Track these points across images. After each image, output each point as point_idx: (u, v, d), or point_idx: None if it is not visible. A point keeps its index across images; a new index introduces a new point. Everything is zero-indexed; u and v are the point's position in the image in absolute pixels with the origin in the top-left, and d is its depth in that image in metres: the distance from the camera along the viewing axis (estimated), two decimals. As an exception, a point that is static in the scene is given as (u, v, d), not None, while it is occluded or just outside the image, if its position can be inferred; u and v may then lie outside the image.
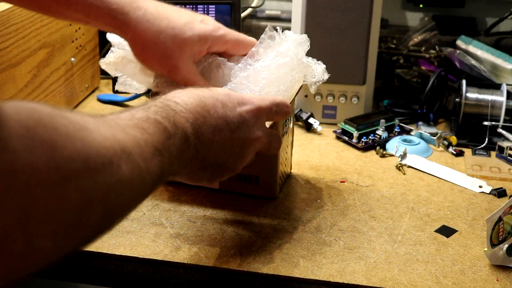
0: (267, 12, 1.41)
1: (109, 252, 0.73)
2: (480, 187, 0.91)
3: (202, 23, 0.76)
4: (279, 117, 0.73)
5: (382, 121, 1.05)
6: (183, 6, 1.11)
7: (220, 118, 0.64)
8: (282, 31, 0.83)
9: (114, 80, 1.01)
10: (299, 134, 1.08)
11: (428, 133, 1.05)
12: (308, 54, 1.07)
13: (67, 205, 0.40)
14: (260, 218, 0.81)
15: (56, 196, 0.39)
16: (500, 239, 0.72)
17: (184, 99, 0.62)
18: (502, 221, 0.72)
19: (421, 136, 1.05)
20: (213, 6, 1.11)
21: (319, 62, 0.85)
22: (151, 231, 0.78)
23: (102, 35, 1.20)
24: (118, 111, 0.55)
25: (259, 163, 0.81)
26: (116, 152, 0.45)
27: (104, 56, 0.85)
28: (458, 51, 1.16)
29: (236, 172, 0.69)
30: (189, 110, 0.61)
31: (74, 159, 0.40)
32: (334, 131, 1.07)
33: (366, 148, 1.03)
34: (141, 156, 0.49)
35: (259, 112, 0.69)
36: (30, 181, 0.36)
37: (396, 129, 1.08)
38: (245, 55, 0.82)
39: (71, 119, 0.42)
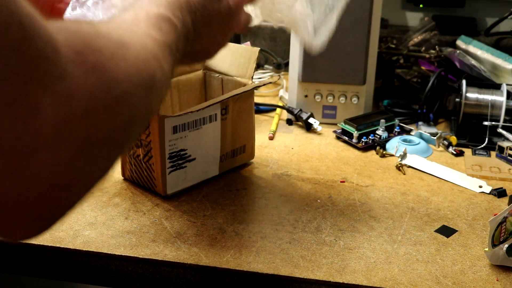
0: (267, 12, 1.41)
1: (109, 252, 0.73)
2: (480, 187, 0.91)
3: None
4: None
5: (382, 121, 1.05)
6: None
7: (214, 11, 0.65)
8: None
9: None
10: (299, 134, 1.08)
11: (428, 133, 1.05)
12: (308, 54, 1.07)
13: (119, 126, 0.40)
14: (260, 218, 0.81)
15: (111, 119, 0.38)
16: (501, 240, 0.72)
17: None
18: (505, 222, 0.72)
19: (421, 136, 1.05)
20: (213, 6, 1.11)
21: None
22: (151, 231, 0.78)
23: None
24: (130, 7, 0.54)
25: (244, 133, 0.92)
26: (151, 63, 0.45)
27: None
28: (458, 51, 1.16)
29: (213, 56, 0.72)
30: (193, 3, 0.61)
31: (121, 79, 0.39)
32: (334, 131, 1.07)
33: (366, 148, 1.03)
34: (164, 59, 0.49)
35: (242, 3, 0.71)
36: (87, 107, 0.35)
37: (396, 129, 1.08)
38: None
39: (109, 38, 0.41)
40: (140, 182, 0.87)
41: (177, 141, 0.83)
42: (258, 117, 1.13)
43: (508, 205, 0.86)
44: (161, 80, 0.47)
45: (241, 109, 0.91)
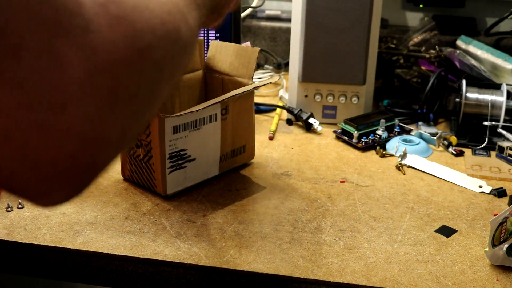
0: (267, 12, 1.41)
1: (109, 252, 0.73)
2: (480, 187, 0.91)
3: None
4: None
5: (382, 121, 1.05)
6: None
7: None
8: None
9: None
10: (299, 134, 1.08)
11: (428, 133, 1.05)
12: (308, 53, 1.08)
13: (145, 81, 0.39)
14: (260, 218, 0.81)
15: (136, 72, 0.37)
16: (501, 240, 0.72)
17: None
18: (505, 223, 0.72)
19: (421, 136, 1.05)
20: (213, 6, 1.11)
21: None
22: (151, 231, 0.78)
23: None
24: None
25: (244, 133, 0.92)
26: (176, 16, 0.43)
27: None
28: (458, 51, 1.16)
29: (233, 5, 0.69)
30: None
31: (145, 31, 0.38)
32: (334, 131, 1.07)
33: (366, 148, 1.03)
34: (190, 14, 0.47)
35: None
36: (113, 60, 0.35)
37: (396, 129, 1.08)
38: None
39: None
40: (140, 182, 0.87)
41: (177, 141, 0.83)
42: (258, 117, 1.13)
43: (508, 205, 0.86)
44: (187, 34, 0.45)
45: (241, 109, 0.91)
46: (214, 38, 1.12)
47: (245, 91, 0.87)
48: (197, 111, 0.82)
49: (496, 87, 1.06)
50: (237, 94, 0.86)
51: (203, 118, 0.85)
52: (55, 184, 0.35)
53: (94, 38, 0.34)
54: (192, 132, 0.84)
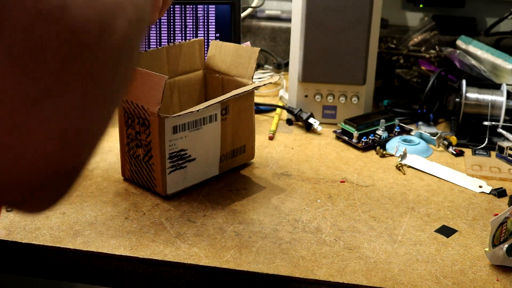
0: (267, 12, 1.41)
1: (109, 252, 0.73)
2: (480, 187, 0.91)
3: None
4: None
5: (382, 121, 1.05)
6: (183, 6, 1.12)
7: None
8: None
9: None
10: (299, 134, 1.08)
11: (428, 133, 1.05)
12: (309, 53, 1.08)
13: (118, 61, 0.35)
14: (260, 218, 0.81)
15: (110, 54, 0.34)
16: (501, 240, 0.72)
17: None
18: (505, 223, 0.72)
19: (421, 136, 1.05)
20: (213, 6, 1.11)
21: None
22: (151, 231, 0.78)
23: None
24: None
25: (244, 133, 0.92)
26: None
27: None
28: (458, 51, 1.16)
29: None
30: None
31: (116, 10, 0.35)
32: (334, 131, 1.07)
33: (366, 148, 1.03)
34: None
35: None
36: (88, 41, 0.32)
37: (396, 129, 1.08)
38: None
39: None
40: (140, 182, 0.87)
41: (177, 141, 0.83)
42: (258, 117, 1.13)
43: (508, 205, 0.86)
44: (147, 18, 0.41)
45: (241, 109, 0.91)
46: (214, 38, 1.12)
47: (245, 91, 0.87)
48: (197, 111, 0.82)
49: (496, 87, 1.06)
50: (237, 94, 0.86)
51: (203, 118, 0.85)
52: (39, 191, 0.33)
53: (71, 18, 0.31)
54: (192, 132, 0.84)
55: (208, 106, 0.83)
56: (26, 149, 0.31)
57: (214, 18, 1.12)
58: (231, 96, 0.85)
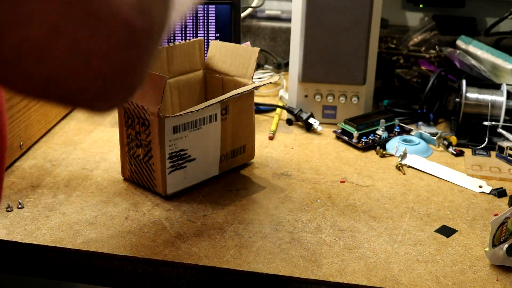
0: (267, 12, 1.41)
1: (109, 252, 0.73)
2: (480, 187, 0.91)
3: None
4: None
5: (382, 121, 1.05)
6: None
7: None
8: None
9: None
10: (299, 134, 1.08)
11: (428, 133, 1.05)
12: (309, 53, 1.08)
13: None
14: (260, 218, 0.81)
15: None
16: (501, 240, 0.72)
17: None
18: (506, 223, 0.72)
19: (421, 136, 1.05)
20: (213, 6, 1.11)
21: None
22: (151, 231, 0.78)
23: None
24: None
25: (244, 133, 0.91)
26: None
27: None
28: (458, 51, 1.16)
29: None
30: None
31: None
32: (334, 131, 1.07)
33: (366, 148, 1.03)
34: None
35: None
36: None
37: (396, 129, 1.08)
38: None
39: None
40: (140, 182, 0.87)
41: (177, 141, 0.83)
42: (258, 117, 1.13)
43: (508, 205, 0.86)
44: None
45: (241, 109, 0.91)
46: (214, 38, 1.12)
47: (245, 91, 0.87)
48: (197, 111, 0.82)
49: (496, 87, 1.06)
50: (237, 94, 0.86)
51: (203, 118, 0.85)
52: (111, 81, 0.35)
53: None
54: (192, 132, 0.84)
55: (208, 106, 0.83)
56: (99, 39, 0.33)
57: (214, 18, 1.12)
58: (231, 96, 0.85)
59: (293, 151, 1.01)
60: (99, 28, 0.33)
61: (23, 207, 0.82)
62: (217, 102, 0.84)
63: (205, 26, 1.12)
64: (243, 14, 1.34)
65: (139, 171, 0.86)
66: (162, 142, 0.81)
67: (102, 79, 0.34)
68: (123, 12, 0.33)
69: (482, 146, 1.02)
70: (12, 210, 0.81)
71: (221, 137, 0.89)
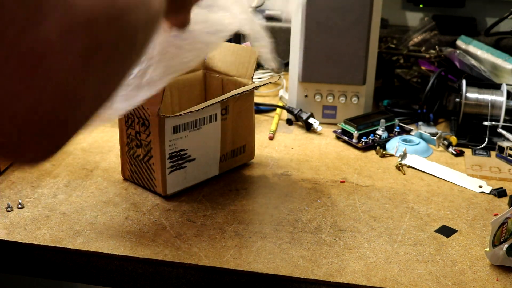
0: (267, 12, 1.41)
1: (109, 252, 0.73)
2: (480, 187, 0.91)
3: None
4: None
5: (382, 121, 1.05)
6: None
7: None
8: None
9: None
10: (299, 134, 1.08)
11: (428, 133, 1.05)
12: (308, 53, 1.08)
13: (121, 40, 0.38)
14: (260, 218, 0.81)
15: (114, 31, 0.37)
16: (501, 240, 0.72)
17: None
18: (506, 223, 0.72)
19: (421, 136, 1.05)
20: (213, 6, 1.11)
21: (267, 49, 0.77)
22: (151, 231, 0.78)
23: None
24: None
25: (244, 133, 0.91)
26: None
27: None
28: (458, 51, 1.16)
29: None
30: None
31: None
32: (334, 131, 1.07)
33: (366, 148, 1.03)
34: None
35: None
36: (92, 16, 0.35)
37: (396, 129, 1.08)
38: None
39: None
40: (140, 182, 0.87)
41: (177, 141, 0.83)
42: (258, 117, 1.13)
43: (508, 204, 0.86)
44: (156, 8, 0.44)
45: (241, 109, 0.91)
46: (214, 38, 1.12)
47: (245, 91, 0.87)
48: (197, 111, 0.82)
49: (496, 87, 1.06)
50: (237, 94, 0.86)
51: (203, 118, 0.85)
52: (32, 137, 0.35)
53: None
54: (192, 132, 0.84)
55: (208, 106, 0.83)
56: (26, 100, 0.33)
57: (214, 18, 1.12)
58: (231, 96, 0.85)
59: (293, 151, 1.01)
60: (27, 91, 0.33)
61: (23, 207, 0.82)
62: (217, 102, 0.84)
63: (205, 26, 1.12)
64: (243, 14, 1.34)
65: (139, 171, 0.86)
66: (162, 142, 0.81)
67: (24, 134, 0.35)
68: (55, 78, 0.34)
69: (482, 146, 1.02)
70: (12, 210, 0.81)
71: (221, 137, 0.89)
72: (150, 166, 0.84)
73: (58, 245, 0.74)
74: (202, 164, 0.87)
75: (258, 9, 1.39)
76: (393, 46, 1.30)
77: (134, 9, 0.39)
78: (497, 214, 0.83)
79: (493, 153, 1.01)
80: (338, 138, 1.06)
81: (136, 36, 0.41)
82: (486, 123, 1.02)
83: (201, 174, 0.88)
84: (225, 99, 0.85)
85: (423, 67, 1.24)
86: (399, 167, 0.96)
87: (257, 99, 1.14)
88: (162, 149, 0.82)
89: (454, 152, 1.01)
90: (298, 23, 1.07)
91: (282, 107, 1.15)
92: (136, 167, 0.87)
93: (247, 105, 0.92)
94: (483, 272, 0.72)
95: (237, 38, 1.13)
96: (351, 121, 1.05)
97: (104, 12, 0.36)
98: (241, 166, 0.95)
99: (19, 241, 0.75)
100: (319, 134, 1.08)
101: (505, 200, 0.88)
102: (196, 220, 0.80)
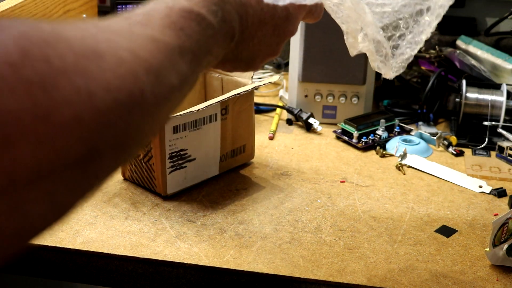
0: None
1: (109, 252, 0.73)
2: (480, 187, 0.91)
3: None
4: (312, 19, 0.64)
5: (382, 121, 1.05)
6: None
7: (268, 9, 0.54)
8: None
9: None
10: (299, 134, 1.08)
11: (428, 133, 1.05)
12: (308, 53, 1.08)
13: (67, 162, 0.31)
14: (260, 218, 0.81)
15: (71, 185, 0.32)
16: (502, 240, 0.72)
17: None
18: (507, 224, 0.72)
19: (421, 136, 1.05)
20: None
21: None
22: (151, 231, 0.78)
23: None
24: (153, 1, 0.43)
25: (244, 133, 0.91)
26: (137, 79, 0.35)
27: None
28: (458, 51, 1.16)
29: (264, 63, 0.60)
30: None
31: (72, 100, 0.30)
32: (334, 131, 1.07)
33: (366, 148, 1.03)
34: (170, 69, 0.39)
35: (302, 8, 0.59)
36: (11, 136, 0.28)
37: (396, 129, 1.08)
38: None
39: (74, 44, 0.32)
40: (140, 182, 0.87)
41: (177, 141, 0.83)
42: (258, 117, 1.13)
43: (508, 204, 0.86)
44: (157, 96, 0.37)
45: (241, 109, 0.91)
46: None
47: (245, 91, 0.87)
48: (197, 110, 0.82)
49: (496, 87, 1.06)
50: (237, 94, 0.86)
51: (203, 118, 0.85)
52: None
53: (15, 155, 0.28)
54: (192, 132, 0.84)
55: (208, 106, 0.83)
56: None
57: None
58: (231, 96, 0.85)
59: (293, 151, 1.01)
60: None
61: (23, 207, 0.82)
62: (217, 102, 0.84)
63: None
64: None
65: (139, 171, 0.86)
66: (162, 142, 0.81)
67: None
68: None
69: (482, 146, 1.02)
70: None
71: (221, 137, 0.89)
72: (150, 166, 0.84)
73: (58, 245, 0.74)
74: (202, 164, 0.87)
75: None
76: (393, 46, 1.30)
77: (96, 118, 0.32)
78: (497, 214, 0.83)
79: (493, 153, 1.01)
80: (338, 138, 1.06)
81: (100, 147, 0.33)
82: (486, 123, 1.02)
83: (201, 174, 0.88)
84: (225, 99, 0.85)
85: (423, 67, 1.24)
86: (399, 167, 0.96)
87: (257, 99, 1.14)
88: (162, 149, 0.82)
89: (454, 152, 1.01)
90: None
91: (282, 107, 1.15)
92: (136, 167, 0.87)
93: (247, 105, 0.92)
94: (483, 272, 0.72)
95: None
96: (351, 121, 1.05)
97: (38, 129, 0.29)
98: (241, 166, 0.95)
99: (19, 241, 0.75)
100: (319, 134, 1.08)
101: (505, 200, 0.88)
102: (196, 220, 0.80)
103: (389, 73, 0.63)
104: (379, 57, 0.63)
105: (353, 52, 0.64)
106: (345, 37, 0.63)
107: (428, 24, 0.62)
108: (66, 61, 0.31)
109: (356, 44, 0.64)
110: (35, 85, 0.29)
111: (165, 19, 0.41)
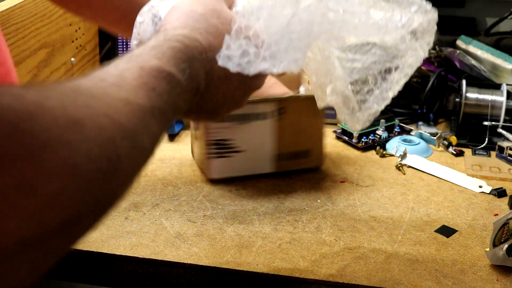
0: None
1: (109, 252, 0.73)
2: (480, 187, 0.91)
3: None
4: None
5: (382, 121, 1.05)
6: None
7: None
8: None
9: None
10: (299, 134, 1.08)
11: (428, 133, 1.05)
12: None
13: (50, 230, 0.32)
14: (260, 218, 0.81)
15: (41, 219, 0.31)
16: (502, 240, 0.72)
17: (206, 36, 0.52)
18: (508, 224, 0.72)
19: (421, 136, 1.05)
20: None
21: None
22: (151, 231, 0.78)
23: (102, 35, 1.20)
24: (125, 59, 0.44)
25: (308, 137, 0.92)
26: (115, 145, 0.36)
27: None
28: (458, 51, 1.16)
29: (228, 113, 0.61)
30: (208, 48, 0.52)
31: (57, 173, 0.31)
32: (334, 131, 1.07)
33: (366, 148, 1.03)
34: (144, 130, 0.40)
35: None
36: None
37: (396, 129, 1.08)
38: None
39: (57, 114, 0.32)
40: (196, 162, 0.94)
41: (223, 130, 0.86)
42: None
43: (508, 205, 0.86)
44: (132, 160, 0.38)
45: (302, 112, 0.90)
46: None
47: (301, 95, 0.91)
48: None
49: (496, 87, 1.06)
50: (290, 96, 0.88)
51: (253, 114, 0.87)
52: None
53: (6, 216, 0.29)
54: (240, 125, 0.87)
55: (258, 102, 0.85)
56: None
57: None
58: (277, 98, 0.87)
59: (293, 151, 1.01)
60: None
61: (23, 207, 0.82)
62: (265, 101, 0.86)
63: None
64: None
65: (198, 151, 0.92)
66: (206, 128, 0.86)
67: None
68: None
69: (482, 146, 1.02)
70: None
71: (278, 136, 0.89)
72: (200, 150, 0.90)
73: (58, 245, 0.74)
74: (252, 158, 0.89)
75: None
76: (393, 46, 1.30)
77: (77, 186, 0.33)
78: (497, 214, 0.83)
79: (493, 153, 1.01)
80: (338, 138, 1.06)
81: (80, 212, 0.34)
82: (486, 123, 1.02)
83: (251, 168, 0.90)
84: (276, 98, 0.87)
85: (423, 67, 1.24)
86: (399, 167, 0.96)
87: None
88: (206, 134, 0.86)
89: (454, 152, 1.01)
90: (298, 23, 1.07)
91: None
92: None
93: (312, 109, 0.89)
94: (483, 272, 0.72)
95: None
96: (351, 121, 1.05)
97: (20, 199, 0.30)
98: (305, 170, 0.93)
99: (19, 241, 0.75)
100: (319, 134, 1.08)
101: (505, 200, 0.88)
102: (196, 220, 0.80)
103: (355, 126, 0.66)
104: (346, 109, 0.65)
105: (321, 104, 0.67)
106: (313, 89, 0.65)
107: (396, 82, 0.65)
108: (51, 133, 0.31)
109: (324, 96, 0.66)
110: (22, 159, 0.29)
111: (138, 80, 0.42)
